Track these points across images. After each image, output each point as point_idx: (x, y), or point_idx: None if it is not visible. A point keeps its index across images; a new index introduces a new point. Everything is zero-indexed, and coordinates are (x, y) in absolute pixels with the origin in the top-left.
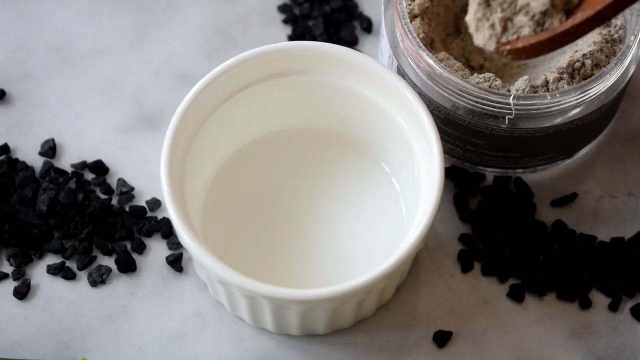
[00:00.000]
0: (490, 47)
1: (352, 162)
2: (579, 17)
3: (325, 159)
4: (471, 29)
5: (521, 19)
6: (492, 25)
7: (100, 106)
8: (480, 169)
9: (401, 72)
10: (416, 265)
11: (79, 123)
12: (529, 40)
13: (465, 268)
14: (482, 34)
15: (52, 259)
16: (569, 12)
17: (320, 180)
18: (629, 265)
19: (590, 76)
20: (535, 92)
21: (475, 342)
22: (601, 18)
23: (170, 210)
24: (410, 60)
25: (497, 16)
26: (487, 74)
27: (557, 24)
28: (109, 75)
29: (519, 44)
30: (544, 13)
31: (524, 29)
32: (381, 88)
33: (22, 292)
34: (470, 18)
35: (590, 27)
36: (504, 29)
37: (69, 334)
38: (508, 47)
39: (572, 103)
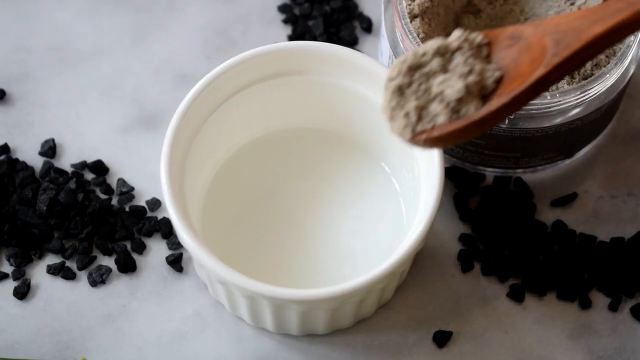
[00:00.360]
0: (406, 136)
1: (352, 162)
2: (495, 103)
3: (325, 159)
4: (386, 119)
5: (436, 107)
6: (407, 114)
7: (100, 106)
8: (480, 169)
9: None
10: (416, 265)
11: (79, 123)
12: (445, 129)
13: (465, 268)
14: (397, 123)
15: (52, 259)
16: (485, 98)
17: (320, 180)
18: (629, 265)
19: (590, 76)
20: None
21: (475, 342)
22: (517, 103)
23: (170, 210)
24: None
25: (411, 105)
26: None
27: (473, 111)
28: (109, 75)
29: (435, 133)
30: (459, 100)
31: (439, 117)
32: (381, 88)
33: (22, 292)
34: (384, 107)
35: (506, 112)
36: (419, 118)
37: (69, 334)
38: (424, 136)
39: (572, 103)
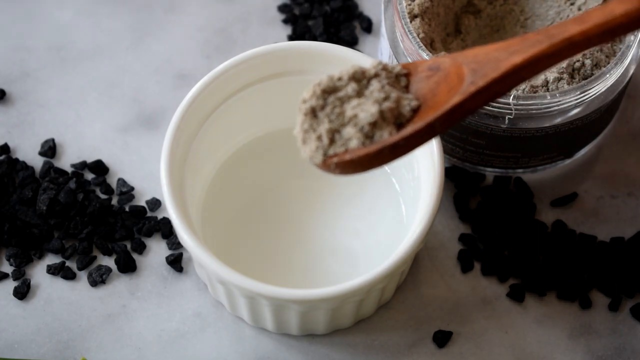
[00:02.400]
0: (317, 160)
1: None
2: (409, 129)
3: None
4: (298, 142)
5: (349, 131)
6: (319, 137)
7: (100, 106)
8: (480, 169)
9: None
10: (416, 265)
11: (79, 123)
12: (357, 153)
13: (465, 268)
14: (308, 146)
15: (52, 259)
16: (401, 127)
17: (320, 180)
18: (629, 265)
19: (590, 76)
20: (535, 92)
21: (475, 342)
22: (431, 130)
23: (170, 210)
24: (410, 60)
25: (324, 127)
26: None
27: (387, 137)
28: (109, 75)
29: (347, 157)
30: (373, 125)
31: (352, 141)
32: None
33: (22, 292)
34: (297, 130)
35: (420, 139)
36: (332, 141)
37: (69, 333)
38: (335, 159)
39: (572, 103)
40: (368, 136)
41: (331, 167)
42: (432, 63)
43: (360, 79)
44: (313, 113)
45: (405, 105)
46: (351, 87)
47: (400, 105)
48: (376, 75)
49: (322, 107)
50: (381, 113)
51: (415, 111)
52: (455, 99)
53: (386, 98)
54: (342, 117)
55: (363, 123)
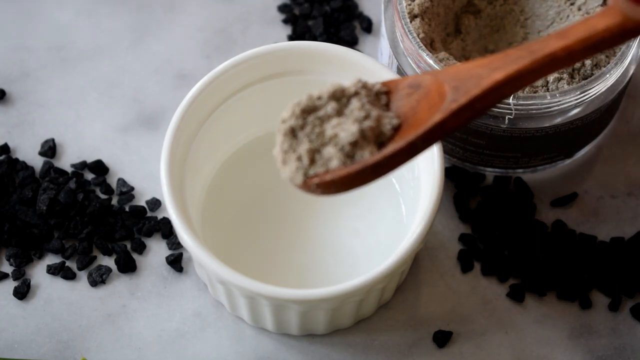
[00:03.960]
0: (298, 181)
1: None
2: (391, 148)
3: None
4: (277, 163)
5: (330, 151)
6: (299, 158)
7: (100, 106)
8: (480, 169)
9: (401, 72)
10: (416, 265)
11: (79, 123)
12: (338, 173)
13: (465, 268)
14: (288, 167)
15: (52, 259)
16: (382, 145)
17: None
18: (629, 265)
19: (590, 76)
20: (535, 92)
21: (475, 342)
22: (413, 149)
23: (170, 210)
24: (410, 60)
25: (304, 148)
26: None
27: (368, 156)
28: (109, 75)
29: (328, 177)
30: (354, 145)
31: (332, 161)
32: None
33: (22, 292)
34: (276, 151)
35: (402, 158)
36: (312, 162)
37: (69, 333)
38: (316, 180)
39: (572, 103)
40: (349, 156)
41: (312, 188)
42: (413, 80)
43: (340, 97)
44: (292, 133)
45: (386, 124)
46: (331, 106)
47: (380, 124)
48: (356, 94)
49: (302, 127)
50: (362, 132)
51: (397, 129)
52: (437, 117)
53: (366, 117)
54: (322, 136)
55: (343, 143)
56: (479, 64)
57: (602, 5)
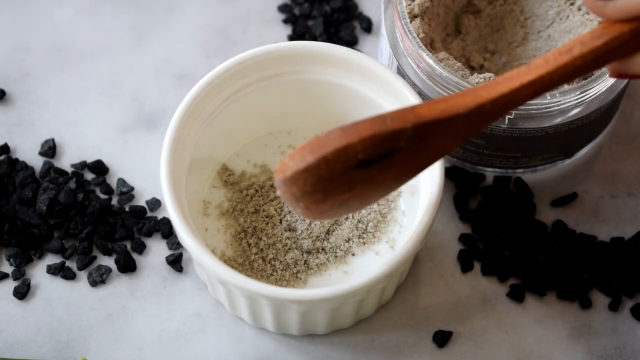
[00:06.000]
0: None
1: None
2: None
3: None
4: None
5: None
6: None
7: (100, 106)
8: (480, 169)
9: (401, 72)
10: (416, 265)
11: (79, 123)
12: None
13: (465, 268)
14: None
15: (52, 259)
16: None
17: None
18: (629, 265)
19: (590, 76)
20: None
21: (475, 342)
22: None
23: (170, 210)
24: (410, 60)
25: None
26: (487, 74)
27: None
28: (109, 75)
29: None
30: None
31: None
32: (381, 88)
33: (22, 292)
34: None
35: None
36: None
37: (69, 333)
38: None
39: (572, 103)
40: None
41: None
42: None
43: None
44: None
45: None
46: None
47: None
48: None
49: None
50: None
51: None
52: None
53: None
54: None
55: None
56: (461, 97)
57: None
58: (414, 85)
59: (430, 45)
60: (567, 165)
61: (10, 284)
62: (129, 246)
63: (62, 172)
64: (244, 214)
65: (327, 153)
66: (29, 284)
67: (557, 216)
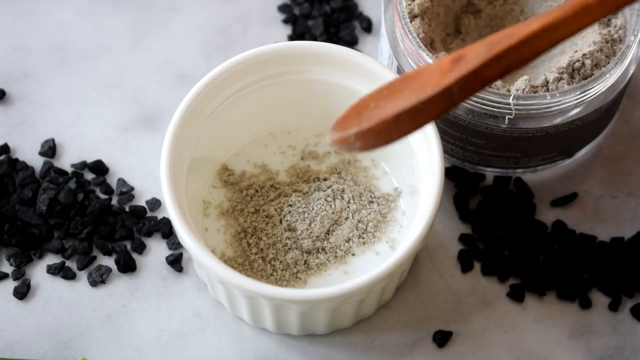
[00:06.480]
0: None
1: (352, 162)
2: (426, 93)
3: (325, 158)
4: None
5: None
6: None
7: (100, 106)
8: (480, 169)
9: (401, 72)
10: (416, 265)
11: (79, 123)
12: (375, 121)
13: (465, 268)
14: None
15: (52, 259)
16: None
17: (320, 180)
18: (629, 265)
19: (590, 76)
20: (535, 92)
21: (475, 342)
22: (449, 95)
23: (170, 210)
24: (410, 60)
25: None
26: None
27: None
28: (109, 75)
29: (365, 126)
30: None
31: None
32: None
33: (22, 292)
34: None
35: (439, 105)
36: None
37: (69, 333)
38: (354, 130)
39: (572, 103)
40: None
41: (350, 141)
42: (456, 54)
43: None
44: None
45: None
46: None
47: None
48: None
49: None
50: None
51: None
52: (471, 64)
53: None
54: None
55: None
56: (514, 26)
57: None
58: None
59: (430, 45)
60: (567, 165)
61: (10, 284)
62: (129, 246)
63: (62, 172)
64: (244, 214)
65: (394, 140)
66: (29, 284)
67: (557, 216)
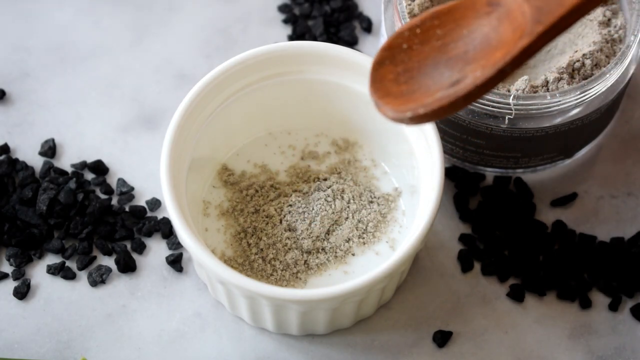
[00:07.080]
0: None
1: (352, 162)
2: (480, 76)
3: (325, 158)
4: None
5: None
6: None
7: (100, 106)
8: (480, 169)
9: None
10: (416, 265)
11: (79, 123)
12: (432, 107)
13: (465, 268)
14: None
15: (52, 259)
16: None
17: (320, 180)
18: (629, 265)
19: (590, 76)
20: (535, 92)
21: (475, 342)
22: (502, 75)
23: (170, 210)
24: None
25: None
26: None
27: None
28: (109, 75)
29: (421, 111)
30: None
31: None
32: None
33: (22, 292)
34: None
35: (492, 85)
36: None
37: (69, 333)
38: (409, 114)
39: (572, 103)
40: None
41: (405, 121)
42: None
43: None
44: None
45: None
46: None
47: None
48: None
49: None
50: None
51: (480, 52)
52: (524, 41)
53: None
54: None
55: None
56: None
57: (602, 6)
58: None
59: None
60: (567, 165)
61: (10, 284)
62: (129, 246)
63: (62, 172)
64: (244, 214)
65: (447, 116)
66: (29, 284)
67: (557, 216)
